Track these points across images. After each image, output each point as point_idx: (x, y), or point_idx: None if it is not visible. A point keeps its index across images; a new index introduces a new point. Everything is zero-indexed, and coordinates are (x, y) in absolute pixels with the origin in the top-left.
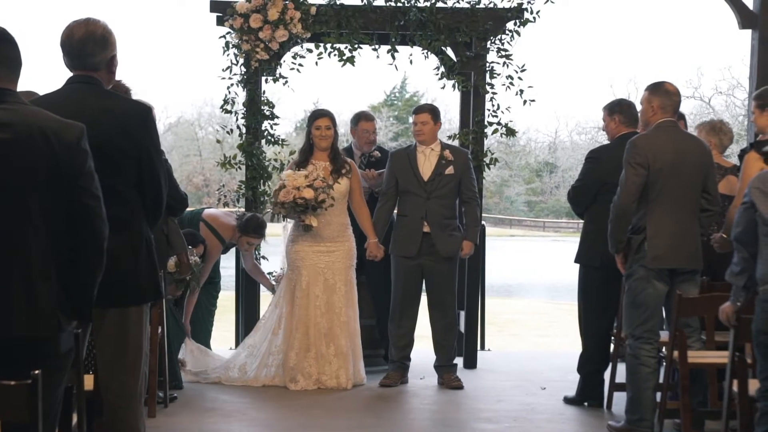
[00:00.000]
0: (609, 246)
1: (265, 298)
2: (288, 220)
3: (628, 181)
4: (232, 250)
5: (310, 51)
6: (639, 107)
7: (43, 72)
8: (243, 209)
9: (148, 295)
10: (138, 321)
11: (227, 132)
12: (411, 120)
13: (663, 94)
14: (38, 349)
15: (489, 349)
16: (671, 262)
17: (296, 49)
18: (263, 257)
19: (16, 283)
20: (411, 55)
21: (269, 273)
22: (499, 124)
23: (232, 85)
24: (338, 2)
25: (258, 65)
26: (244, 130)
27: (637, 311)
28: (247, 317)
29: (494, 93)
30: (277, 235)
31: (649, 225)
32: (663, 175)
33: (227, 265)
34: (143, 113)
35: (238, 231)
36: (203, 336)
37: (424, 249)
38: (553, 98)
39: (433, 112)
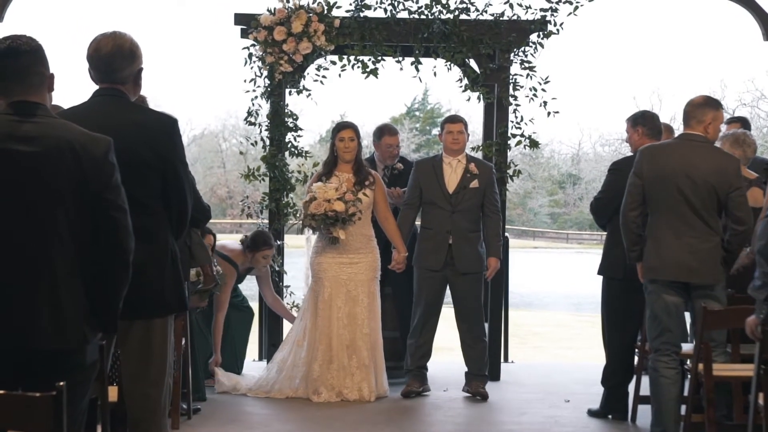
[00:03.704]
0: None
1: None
2: (313, 232)
3: (626, 191)
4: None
5: (333, 63)
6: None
7: (66, 84)
8: (266, 221)
9: (173, 307)
10: (163, 333)
11: (251, 144)
12: (441, 130)
13: (686, 105)
14: (64, 361)
15: (512, 362)
16: (668, 276)
17: (320, 61)
18: (284, 272)
19: (43, 296)
20: (435, 67)
21: (286, 286)
22: (522, 135)
23: (256, 97)
24: (362, 15)
25: (282, 77)
26: (267, 142)
27: (654, 324)
28: (270, 329)
29: (517, 105)
30: (300, 246)
31: (648, 236)
32: (661, 186)
33: (248, 277)
34: (169, 126)
35: (249, 251)
36: (236, 361)
37: (449, 261)
38: (577, 110)
39: (466, 123)
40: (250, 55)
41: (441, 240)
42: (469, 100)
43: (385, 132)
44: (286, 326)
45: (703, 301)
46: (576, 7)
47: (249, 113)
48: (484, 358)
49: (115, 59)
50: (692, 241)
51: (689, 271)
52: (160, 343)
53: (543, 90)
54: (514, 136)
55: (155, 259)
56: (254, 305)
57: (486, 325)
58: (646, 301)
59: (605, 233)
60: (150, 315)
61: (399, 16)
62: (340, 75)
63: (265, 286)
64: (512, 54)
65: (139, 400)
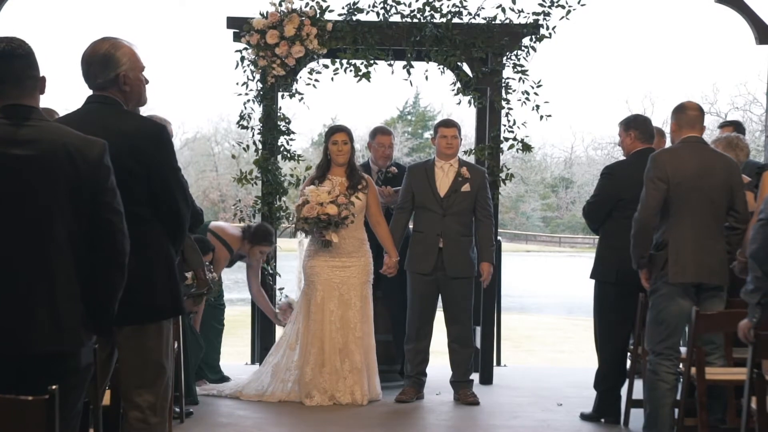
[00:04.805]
0: (632, 262)
1: None
2: (305, 235)
3: (648, 196)
4: (242, 269)
5: (326, 67)
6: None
7: (62, 86)
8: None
9: (166, 312)
10: (157, 337)
11: (243, 148)
12: (435, 134)
13: (679, 110)
14: (60, 364)
15: (505, 365)
16: (692, 277)
17: (312, 64)
18: (277, 274)
19: (40, 299)
20: (426, 71)
21: (280, 289)
22: (514, 139)
23: (248, 101)
24: (354, 18)
25: (274, 81)
26: (260, 145)
27: (659, 328)
28: (263, 332)
29: (510, 108)
30: (292, 250)
31: (670, 240)
32: (683, 190)
33: (243, 279)
34: (156, 132)
35: (248, 242)
36: (212, 357)
37: (440, 265)
38: (569, 114)
39: (459, 127)
40: (242, 58)
41: (431, 243)
42: (459, 103)
43: (378, 131)
44: (279, 330)
45: (711, 302)
46: (568, 11)
47: (241, 117)
48: (469, 363)
49: (90, 66)
50: (709, 242)
51: (710, 272)
52: (155, 348)
53: (535, 93)
54: (506, 139)
55: (146, 265)
56: (246, 308)
57: (478, 329)
58: (650, 304)
59: (598, 237)
60: (143, 320)
61: (391, 19)
62: (332, 78)
63: (252, 276)
64: (505, 57)
65: (136, 405)
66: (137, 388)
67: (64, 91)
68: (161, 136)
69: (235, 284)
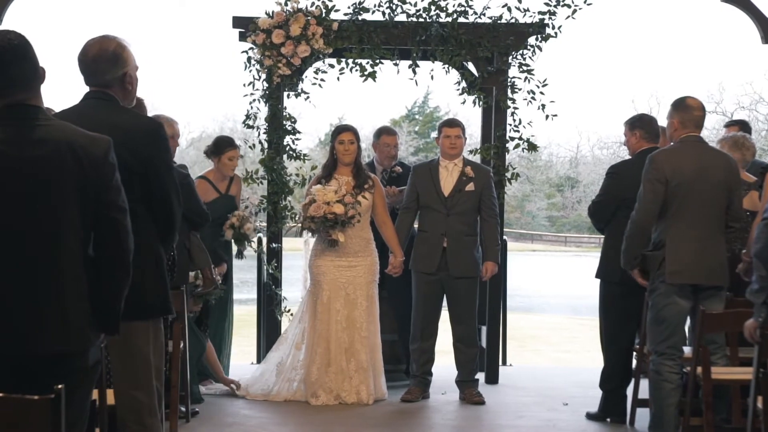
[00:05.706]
0: (622, 262)
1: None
2: (312, 234)
3: (646, 197)
4: (245, 270)
5: (331, 66)
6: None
7: (63, 86)
8: (264, 223)
9: (154, 311)
10: (143, 336)
11: (249, 147)
12: (438, 134)
13: (683, 109)
14: (68, 364)
15: (510, 365)
16: (690, 278)
17: (318, 64)
18: (278, 275)
19: (48, 299)
20: (432, 70)
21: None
22: (520, 138)
23: (254, 100)
24: (360, 18)
25: (280, 80)
26: (266, 145)
27: (660, 327)
28: (268, 332)
29: (516, 108)
30: (298, 249)
31: (668, 241)
32: (682, 190)
33: (249, 279)
34: (151, 129)
35: (215, 158)
36: (221, 358)
37: (443, 265)
38: (575, 113)
39: (463, 127)
40: (249, 59)
41: (435, 243)
42: (464, 103)
43: (383, 132)
44: (284, 328)
45: (710, 301)
46: (574, 11)
47: (247, 116)
48: (474, 362)
49: (98, 63)
50: (709, 243)
51: (709, 273)
52: (142, 346)
53: (541, 93)
54: (512, 139)
55: (137, 262)
56: (252, 308)
57: (484, 329)
58: (649, 304)
59: (603, 236)
60: (129, 317)
61: (397, 19)
62: (338, 78)
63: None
64: (510, 57)
65: (125, 402)
66: (131, 390)
67: (63, 91)
68: (158, 133)
69: (243, 284)
